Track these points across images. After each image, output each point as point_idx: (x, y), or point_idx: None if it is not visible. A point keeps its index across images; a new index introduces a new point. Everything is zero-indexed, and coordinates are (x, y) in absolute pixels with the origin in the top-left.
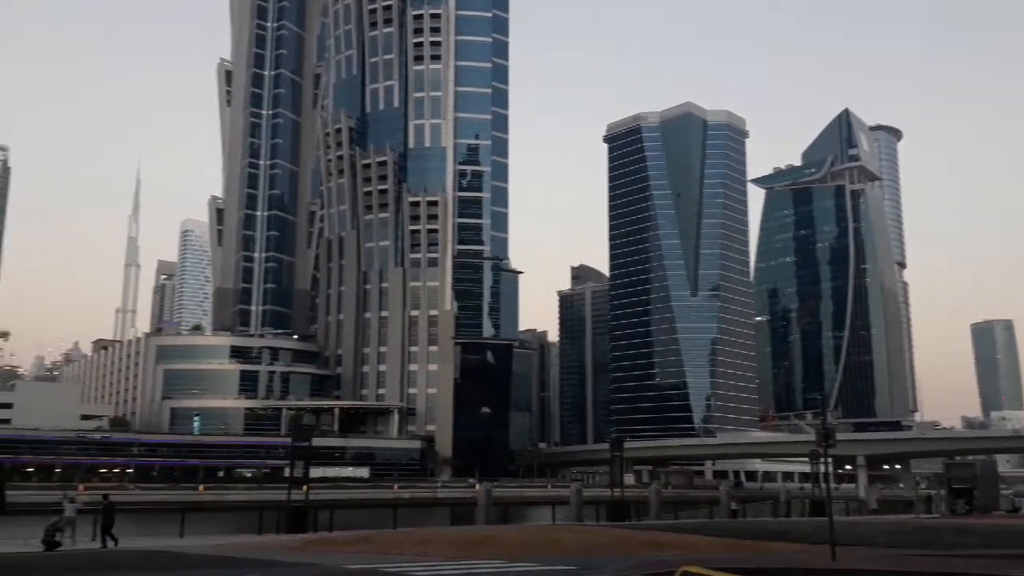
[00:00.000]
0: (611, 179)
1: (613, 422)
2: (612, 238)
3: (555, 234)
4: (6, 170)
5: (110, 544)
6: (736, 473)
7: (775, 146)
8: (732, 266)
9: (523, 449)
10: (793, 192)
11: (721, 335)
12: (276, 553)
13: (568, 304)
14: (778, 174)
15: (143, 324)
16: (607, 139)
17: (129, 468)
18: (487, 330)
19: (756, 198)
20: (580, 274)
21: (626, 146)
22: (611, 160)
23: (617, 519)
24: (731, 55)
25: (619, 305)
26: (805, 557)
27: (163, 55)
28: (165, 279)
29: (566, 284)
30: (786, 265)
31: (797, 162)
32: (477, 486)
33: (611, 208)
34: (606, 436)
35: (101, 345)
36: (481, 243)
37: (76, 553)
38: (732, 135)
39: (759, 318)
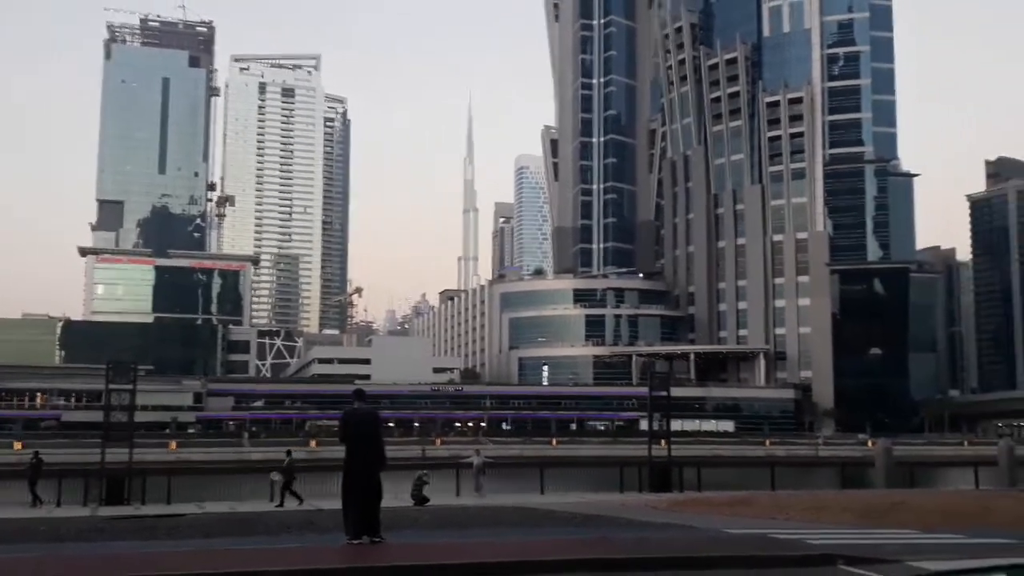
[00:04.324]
0: None
1: None
2: None
3: (961, 120)
4: (345, 122)
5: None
6: None
7: None
8: None
9: (928, 399)
10: None
11: None
12: (644, 513)
13: (983, 211)
14: None
15: (485, 271)
16: None
17: (482, 422)
18: (872, 252)
19: None
20: (998, 170)
21: None
22: None
23: None
24: None
25: None
26: None
27: None
28: (503, 222)
29: (979, 185)
30: None
31: None
32: (870, 443)
33: None
34: None
35: (447, 295)
36: (860, 143)
37: (451, 507)
38: None
39: None
